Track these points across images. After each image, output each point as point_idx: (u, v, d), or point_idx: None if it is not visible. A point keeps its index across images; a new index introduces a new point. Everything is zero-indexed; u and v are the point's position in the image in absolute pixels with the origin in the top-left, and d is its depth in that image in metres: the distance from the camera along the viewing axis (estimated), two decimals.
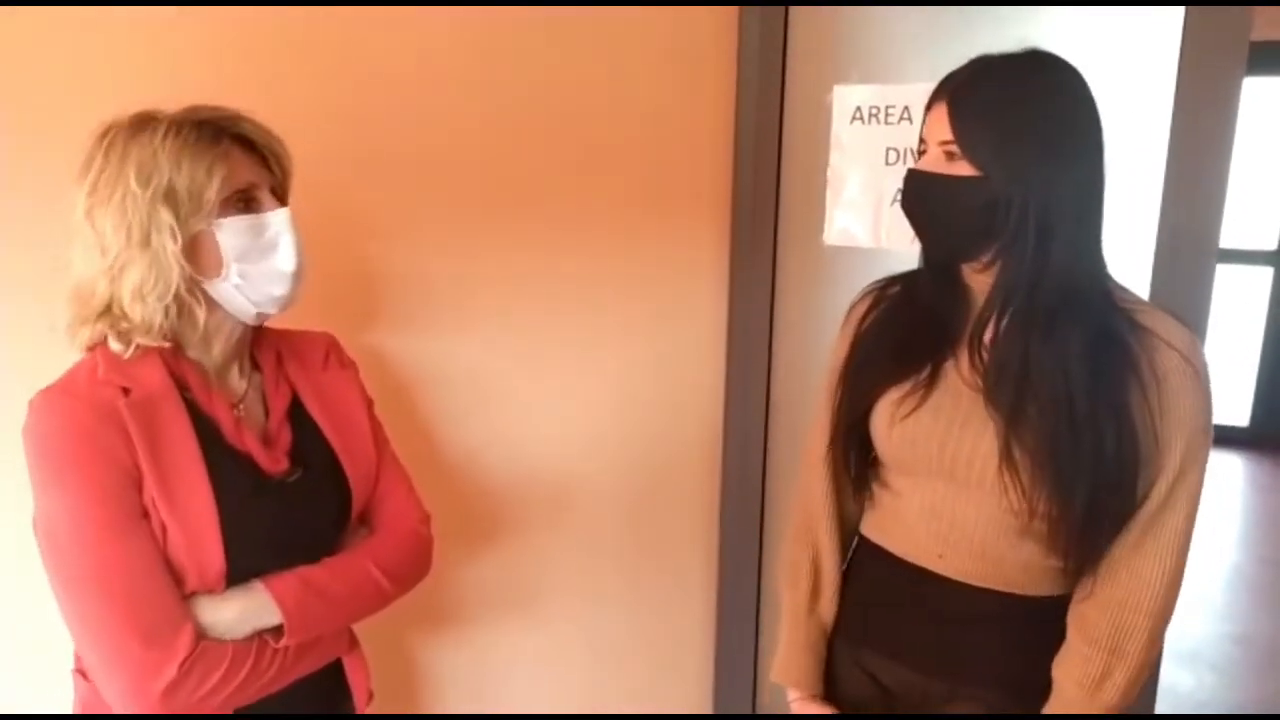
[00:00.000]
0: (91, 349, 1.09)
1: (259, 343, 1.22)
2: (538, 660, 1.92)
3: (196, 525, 1.05)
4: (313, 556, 1.16)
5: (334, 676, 1.24)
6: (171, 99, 1.10)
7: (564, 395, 1.81)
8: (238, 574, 1.09)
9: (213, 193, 1.04)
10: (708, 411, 1.90)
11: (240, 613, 1.08)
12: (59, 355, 1.10)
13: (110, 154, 1.05)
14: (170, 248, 1.03)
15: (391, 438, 1.34)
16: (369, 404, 1.31)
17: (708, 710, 2.03)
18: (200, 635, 1.05)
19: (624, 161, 1.75)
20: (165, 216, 1.03)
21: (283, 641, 1.10)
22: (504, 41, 1.63)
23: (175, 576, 1.05)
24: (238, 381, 1.18)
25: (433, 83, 1.61)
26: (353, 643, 1.28)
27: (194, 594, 1.07)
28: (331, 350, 1.30)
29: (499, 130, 1.67)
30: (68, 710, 1.19)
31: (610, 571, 1.92)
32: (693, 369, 1.88)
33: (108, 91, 1.37)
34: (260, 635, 1.10)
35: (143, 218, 1.03)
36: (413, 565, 1.27)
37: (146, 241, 1.03)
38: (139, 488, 1.04)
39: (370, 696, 1.28)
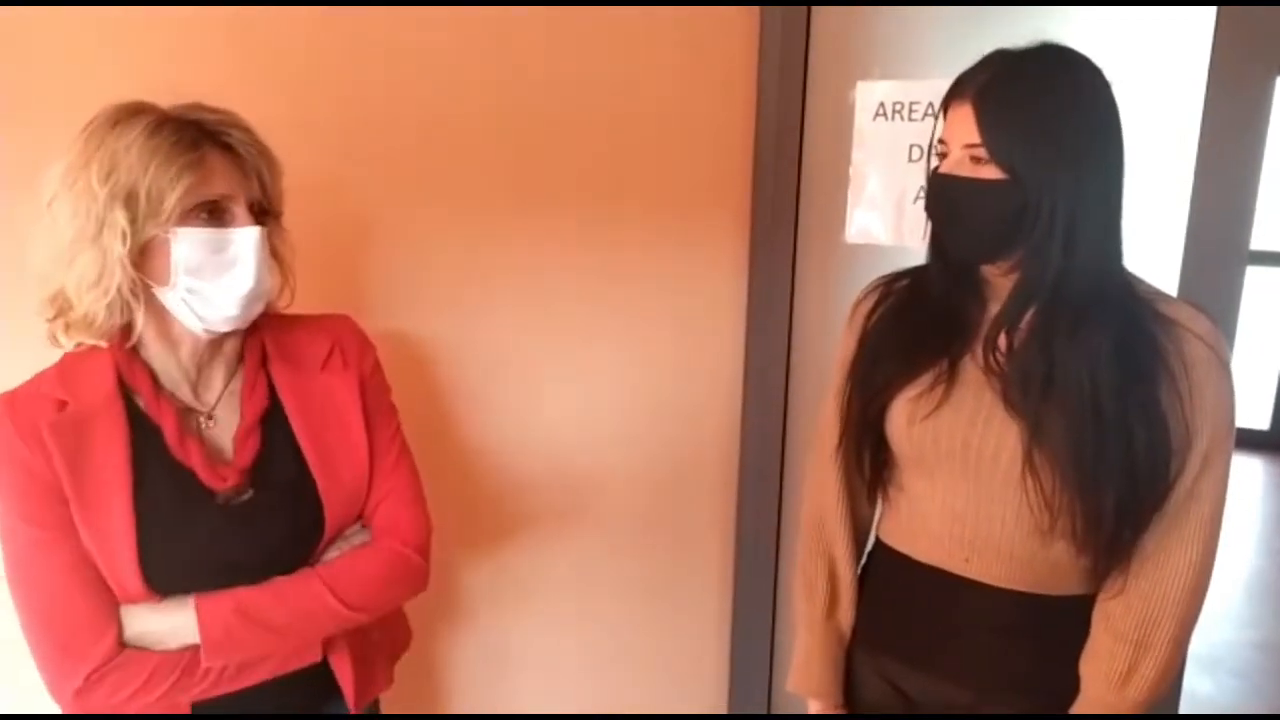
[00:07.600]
0: (55, 346, 1.09)
1: (251, 336, 1.16)
2: (551, 659, 1.91)
3: (113, 546, 1.05)
4: (262, 576, 1.10)
5: (320, 676, 1.18)
6: (164, 97, 1.06)
7: (582, 392, 1.81)
8: (164, 592, 1.07)
9: (173, 200, 1.00)
10: (726, 409, 1.89)
11: (171, 628, 1.07)
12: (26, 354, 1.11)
13: (88, 143, 1.02)
14: (118, 250, 1.00)
15: (407, 433, 1.26)
16: (381, 403, 1.23)
17: (723, 710, 2.02)
18: (122, 645, 1.05)
19: (645, 159, 1.74)
20: (119, 218, 0.99)
21: (203, 664, 1.07)
22: (526, 40, 1.62)
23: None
24: (218, 385, 1.14)
25: (453, 82, 1.61)
26: (334, 646, 1.18)
27: (130, 602, 1.06)
28: (339, 346, 1.21)
29: (521, 129, 1.66)
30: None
31: (626, 569, 1.91)
32: (711, 367, 1.87)
33: (99, 87, 1.37)
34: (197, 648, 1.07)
35: (98, 214, 1.00)
36: (383, 589, 1.16)
37: (97, 238, 1.00)
38: (65, 502, 1.04)
39: (366, 698, 1.22)
